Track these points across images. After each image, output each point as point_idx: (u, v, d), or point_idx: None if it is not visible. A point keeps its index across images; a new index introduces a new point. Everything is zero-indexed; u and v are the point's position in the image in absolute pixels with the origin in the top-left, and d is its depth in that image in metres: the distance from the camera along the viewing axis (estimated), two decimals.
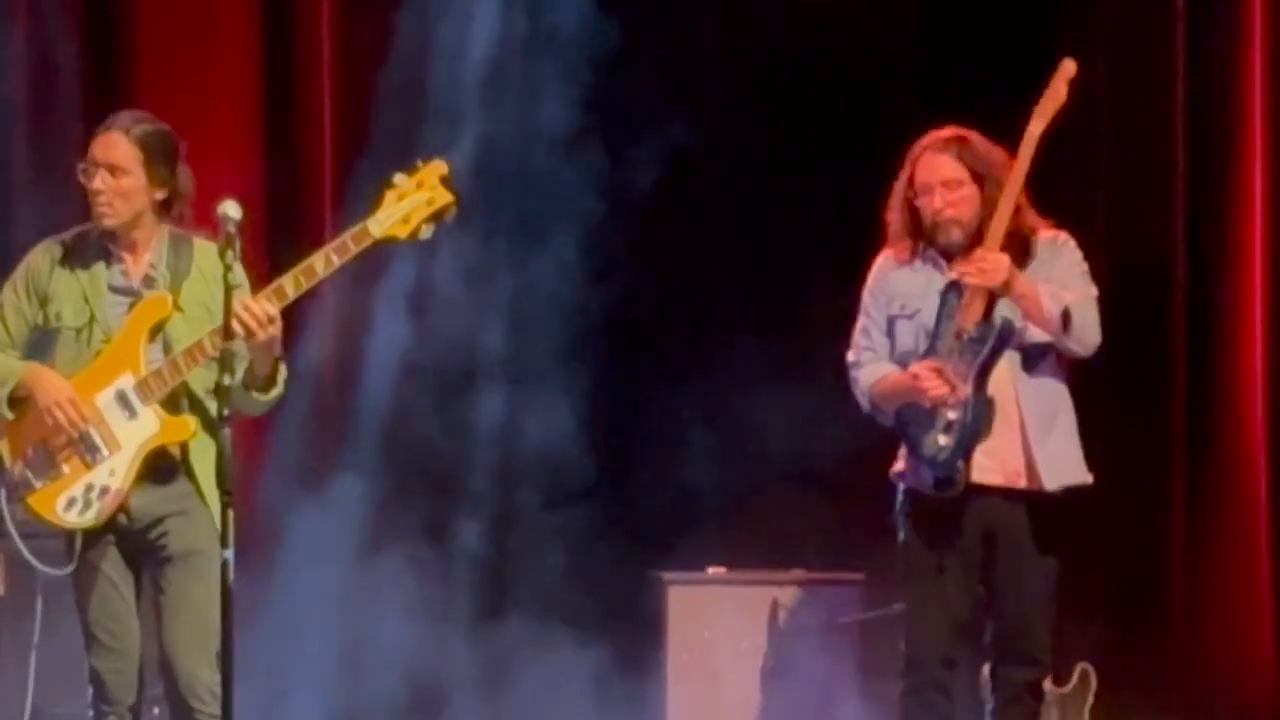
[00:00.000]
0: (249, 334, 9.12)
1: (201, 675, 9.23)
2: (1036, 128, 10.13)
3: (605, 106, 13.25)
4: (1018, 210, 10.03)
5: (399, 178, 9.30)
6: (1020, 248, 10.01)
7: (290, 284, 9.24)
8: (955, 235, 9.86)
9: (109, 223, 9.36)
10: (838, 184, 12.11)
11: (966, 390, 10.08)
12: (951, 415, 10.00)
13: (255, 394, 9.31)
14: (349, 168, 12.98)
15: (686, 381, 13.09)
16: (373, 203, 9.50)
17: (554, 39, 13.51)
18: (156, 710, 9.92)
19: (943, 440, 10.02)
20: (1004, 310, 10.08)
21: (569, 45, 13.52)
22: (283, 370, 9.44)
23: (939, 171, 10.02)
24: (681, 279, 13.42)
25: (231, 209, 8.71)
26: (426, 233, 9.25)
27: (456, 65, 13.48)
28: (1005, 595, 10.11)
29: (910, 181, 10.09)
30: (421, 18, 13.38)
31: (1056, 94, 10.21)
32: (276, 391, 9.39)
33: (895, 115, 12.01)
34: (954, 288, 9.98)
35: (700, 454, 12.77)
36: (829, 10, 13.15)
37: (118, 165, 9.33)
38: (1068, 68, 10.17)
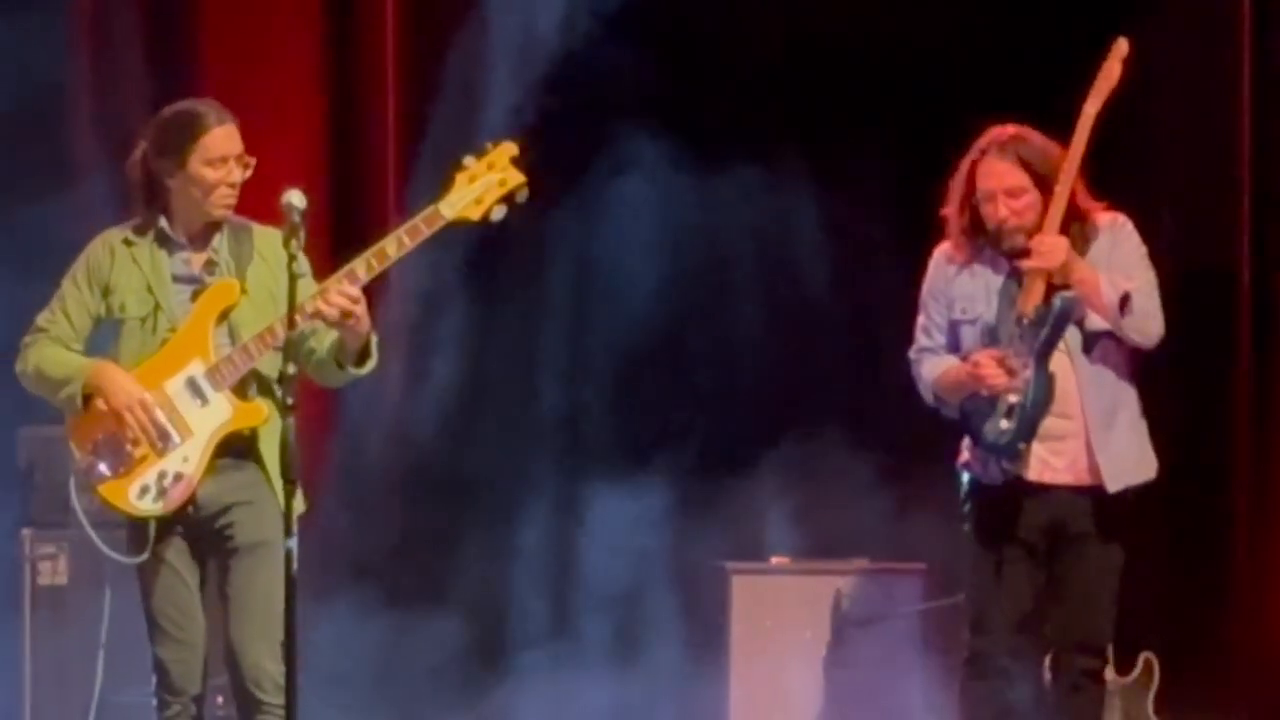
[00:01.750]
0: (344, 317, 9.12)
1: (267, 667, 9.09)
2: (1092, 108, 10.02)
3: (662, 105, 13.13)
4: (1073, 194, 9.98)
5: (469, 160, 9.17)
6: (1079, 233, 9.99)
7: (362, 267, 9.13)
8: (1019, 241, 9.86)
9: (225, 214, 9.36)
10: (902, 172, 12.01)
11: (1027, 374, 10.05)
12: (1013, 399, 9.99)
13: (351, 369, 9.28)
14: (413, 152, 13.02)
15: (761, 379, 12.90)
16: (443, 185, 9.31)
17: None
18: (220, 700, 9.91)
19: (1004, 424, 9.98)
20: (1066, 295, 9.93)
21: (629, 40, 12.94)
22: (375, 345, 9.32)
23: (1002, 179, 9.93)
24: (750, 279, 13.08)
25: (296, 198, 8.60)
26: (499, 213, 9.13)
27: (519, 50, 13.19)
28: (1068, 585, 10.12)
29: (971, 184, 10.00)
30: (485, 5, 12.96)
31: (1110, 74, 10.14)
32: (371, 364, 9.28)
33: (957, 107, 11.71)
34: (1014, 275, 10.02)
35: (764, 442, 12.47)
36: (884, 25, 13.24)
37: (245, 157, 9.24)
38: (1121, 47, 10.05)
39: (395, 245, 9.25)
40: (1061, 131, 10.06)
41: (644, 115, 12.86)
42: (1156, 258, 10.05)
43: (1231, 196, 12.53)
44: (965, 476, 10.00)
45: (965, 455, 9.97)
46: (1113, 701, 11.39)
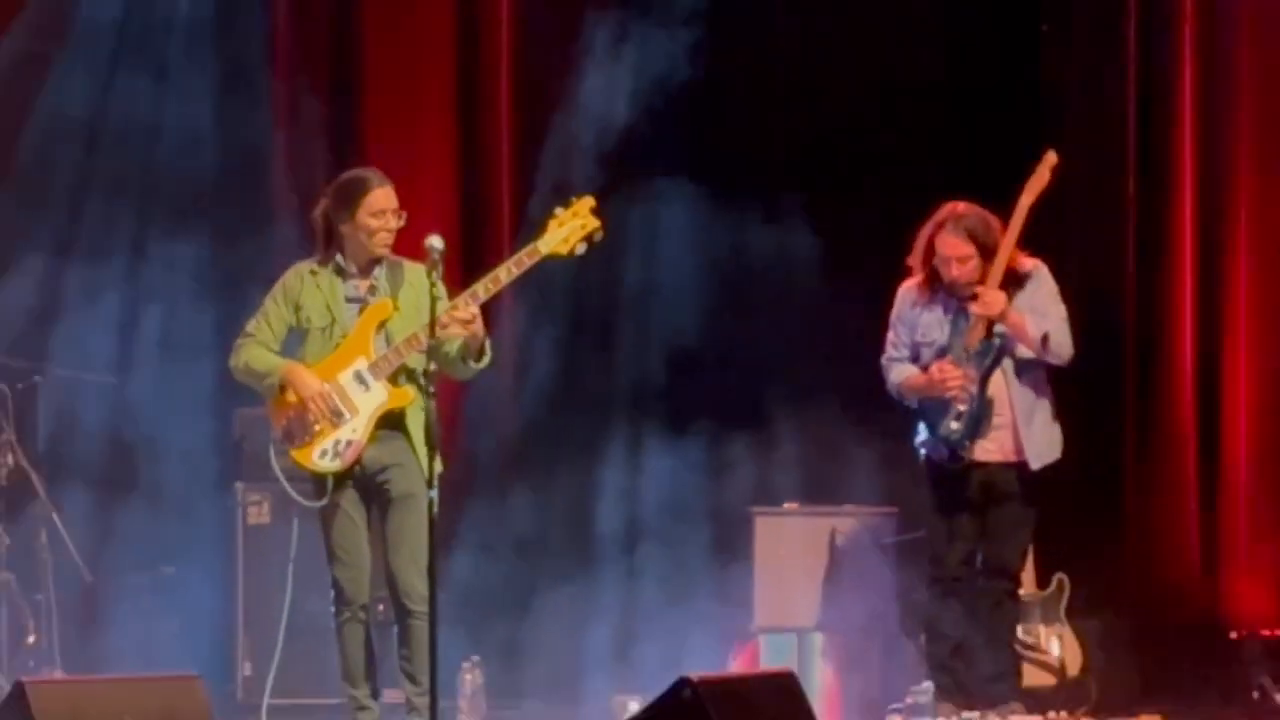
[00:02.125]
0: (466, 325, 9.22)
1: (415, 585, 9.22)
2: (1026, 201, 10.10)
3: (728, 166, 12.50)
4: (1011, 257, 10.06)
5: (559, 210, 9.32)
6: (1013, 281, 10.02)
7: (482, 289, 9.32)
8: (967, 291, 10.03)
9: (384, 252, 9.42)
10: (878, 230, 11.62)
11: (973, 389, 10.14)
12: (961, 408, 10.15)
13: (470, 363, 9.41)
14: (519, 203, 12.65)
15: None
16: (539, 228, 9.45)
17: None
18: (381, 607, 9.80)
19: (954, 426, 10.12)
20: (1000, 330, 10.15)
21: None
22: (489, 346, 9.49)
23: (955, 249, 10.09)
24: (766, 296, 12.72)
25: (436, 241, 8.78)
26: (580, 250, 9.31)
27: (597, 127, 12.37)
28: (996, 532, 10.22)
29: (930, 250, 10.12)
30: (581, 85, 12.57)
31: (1041, 177, 10.24)
32: (486, 360, 9.52)
33: (921, 186, 11.41)
34: (963, 313, 10.10)
35: (780, 413, 12.12)
36: (872, 111, 12.81)
37: (399, 211, 9.43)
38: (1051, 158, 10.24)
39: (505, 273, 9.42)
40: (1001, 204, 10.07)
41: (682, 171, 12.42)
42: (1066, 293, 10.18)
43: (1120, 251, 12.40)
44: (922, 453, 10.22)
45: (922, 438, 10.18)
46: (1033, 610, 11.18)
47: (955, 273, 9.69)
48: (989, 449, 9.76)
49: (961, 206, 9.81)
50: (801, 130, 12.58)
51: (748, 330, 12.32)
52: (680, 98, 12.25)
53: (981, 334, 9.77)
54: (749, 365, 12.29)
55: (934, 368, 9.84)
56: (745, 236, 12.24)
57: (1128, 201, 12.26)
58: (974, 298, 9.79)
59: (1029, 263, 9.76)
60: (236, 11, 12.65)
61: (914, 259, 9.94)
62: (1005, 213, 9.77)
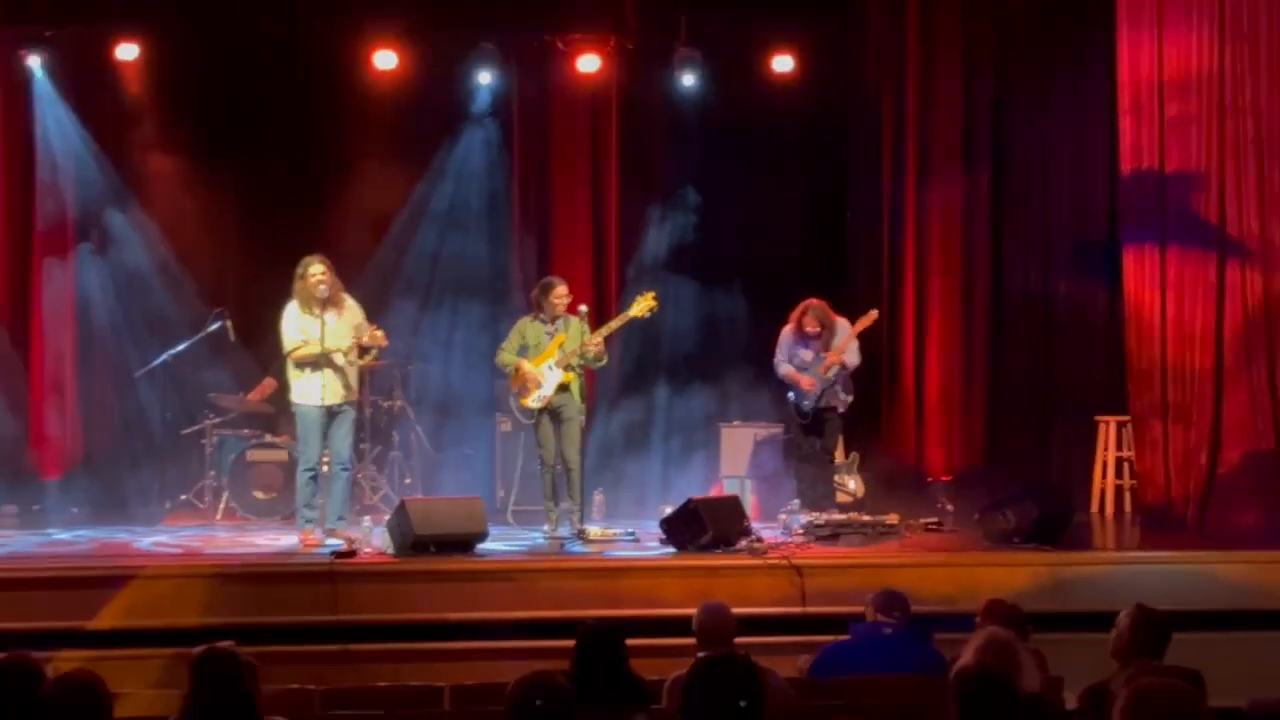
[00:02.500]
0: (598, 348, 11.09)
1: (573, 458, 11.17)
2: (857, 329, 11.74)
3: None
4: (846, 341, 11.70)
5: (639, 296, 11.33)
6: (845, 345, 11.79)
7: (605, 331, 11.33)
8: (818, 346, 11.70)
9: (562, 313, 11.07)
10: (777, 297, 12.65)
11: (817, 391, 11.76)
12: (807, 403, 11.81)
13: (597, 363, 11.25)
14: (619, 288, 13.91)
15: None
16: (629, 303, 11.49)
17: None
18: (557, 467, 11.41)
19: (806, 404, 11.86)
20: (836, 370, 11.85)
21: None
22: (605, 355, 11.34)
23: (811, 325, 11.80)
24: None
25: (583, 308, 11.24)
26: (647, 316, 11.29)
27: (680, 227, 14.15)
28: (824, 435, 11.95)
29: (800, 321, 11.84)
30: (645, 234, 14.19)
31: (867, 320, 11.82)
32: (604, 362, 11.43)
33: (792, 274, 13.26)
34: (819, 356, 11.69)
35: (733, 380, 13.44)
36: (764, 243, 14.20)
37: (569, 294, 11.14)
38: (873, 315, 11.92)
39: (617, 323, 11.34)
40: (829, 295, 12.02)
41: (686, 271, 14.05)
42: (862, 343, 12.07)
43: (883, 318, 12.97)
44: (792, 405, 11.99)
45: (791, 397, 11.99)
46: (841, 467, 12.50)
47: (810, 331, 11.72)
48: (824, 406, 11.71)
49: (815, 300, 11.80)
50: (740, 255, 14.05)
51: (715, 344, 13.88)
52: (686, 238, 14.04)
53: (824, 369, 11.58)
54: (716, 362, 13.72)
55: (803, 378, 11.63)
56: (713, 300, 13.90)
57: (884, 297, 13.70)
58: (830, 355, 11.57)
59: (844, 321, 11.65)
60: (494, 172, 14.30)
61: (792, 320, 11.80)
62: (835, 299, 12.00)
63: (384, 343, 11.17)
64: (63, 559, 10.51)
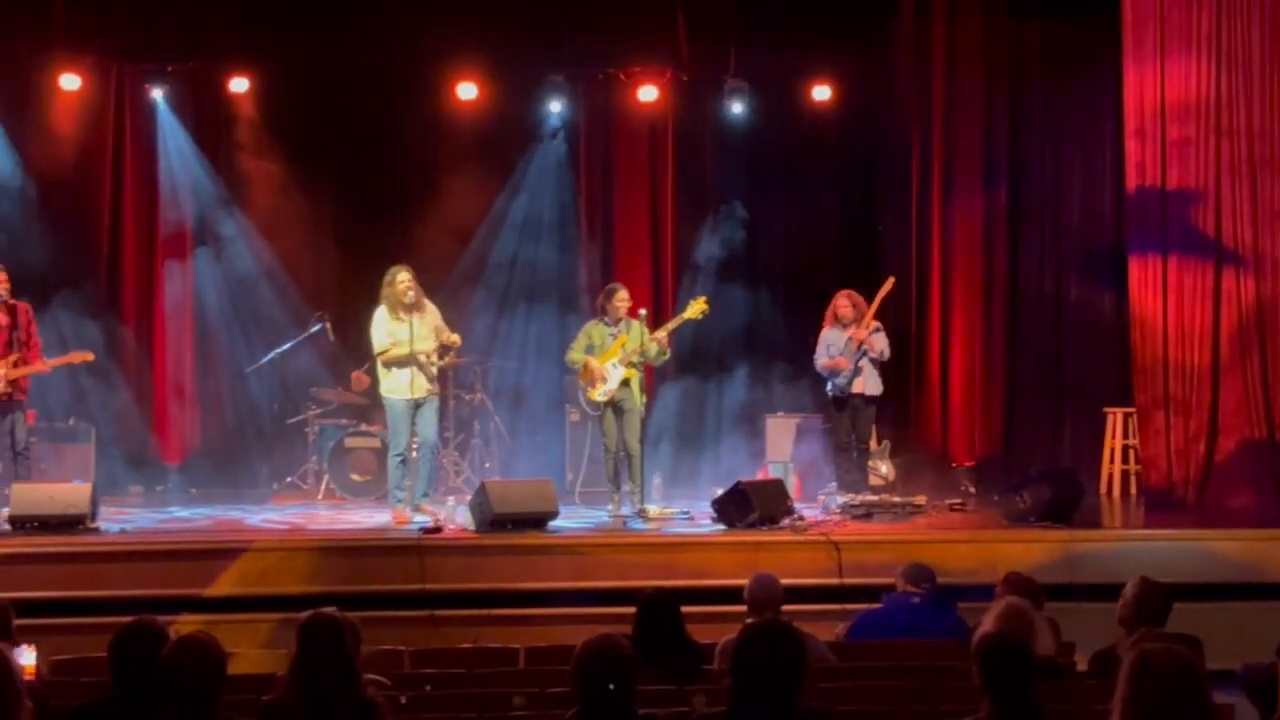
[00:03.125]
0: (660, 345, 11.07)
1: (634, 445, 11.16)
2: (878, 297, 11.62)
3: None
4: (868, 318, 11.51)
5: (692, 301, 11.36)
6: (868, 324, 11.58)
7: (663, 331, 11.27)
8: (853, 329, 11.52)
9: (623, 316, 11.05)
10: (816, 300, 12.37)
11: (850, 365, 11.59)
12: (843, 378, 11.64)
13: (658, 360, 11.27)
14: (676, 291, 13.97)
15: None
16: (684, 306, 11.53)
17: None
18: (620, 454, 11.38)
19: (841, 380, 11.69)
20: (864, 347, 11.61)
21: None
22: (668, 350, 11.36)
23: (844, 308, 11.70)
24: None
25: (643, 313, 11.30)
26: (700, 317, 11.27)
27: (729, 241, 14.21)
28: (858, 424, 11.76)
29: (835, 305, 11.79)
30: (698, 242, 14.20)
31: (886, 287, 11.71)
32: (665, 358, 11.43)
33: (829, 280, 12.62)
34: (849, 339, 11.54)
35: (779, 377, 13.52)
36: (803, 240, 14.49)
37: (630, 298, 11.17)
38: (890, 282, 11.83)
39: (674, 324, 11.31)
40: (862, 289, 11.85)
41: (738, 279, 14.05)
42: (889, 333, 11.97)
43: (909, 313, 13.68)
44: (829, 389, 11.81)
45: (828, 387, 11.81)
46: (875, 453, 12.43)
47: (844, 315, 11.55)
48: (855, 390, 11.53)
49: (848, 291, 11.73)
50: (782, 262, 14.30)
51: (761, 343, 13.88)
52: (735, 247, 14.07)
53: (855, 347, 11.45)
54: (761, 359, 13.66)
55: (838, 360, 11.47)
56: (759, 303, 13.94)
57: (912, 301, 13.81)
58: (855, 331, 11.42)
59: (874, 322, 11.52)
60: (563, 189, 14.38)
61: (829, 312, 11.70)
62: (866, 293, 11.71)
63: (459, 342, 11.18)
64: (183, 534, 10.59)
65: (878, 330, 11.68)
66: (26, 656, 5.96)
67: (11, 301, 10.98)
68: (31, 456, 11.34)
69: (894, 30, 14.13)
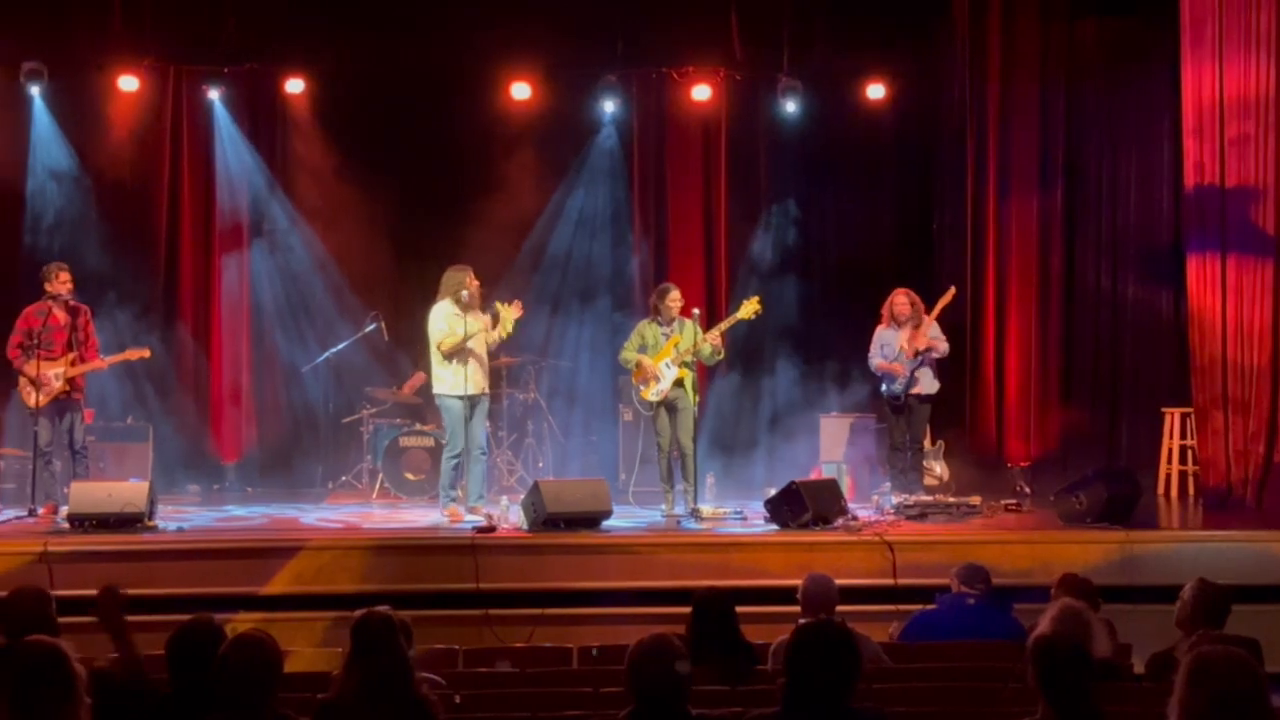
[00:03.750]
0: (715, 344, 11.09)
1: (687, 445, 11.20)
2: (939, 305, 11.60)
3: None
4: (927, 325, 11.57)
5: (745, 301, 11.29)
6: (927, 325, 11.62)
7: (716, 331, 11.29)
8: (908, 329, 11.59)
9: (676, 315, 11.10)
10: (870, 300, 12.33)
11: (907, 373, 11.60)
12: (899, 384, 11.67)
13: (712, 359, 11.28)
14: (730, 291, 14.06)
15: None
16: (738, 306, 11.45)
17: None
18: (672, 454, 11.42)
19: (896, 387, 11.73)
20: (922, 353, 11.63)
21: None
22: (722, 350, 11.32)
23: (901, 307, 11.75)
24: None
25: (696, 313, 11.21)
26: (753, 317, 11.26)
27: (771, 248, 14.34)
28: (914, 423, 11.83)
29: (891, 305, 11.84)
30: (753, 240, 14.31)
31: (947, 297, 11.69)
32: (720, 357, 11.44)
33: (883, 279, 12.61)
34: (903, 350, 11.65)
35: (833, 376, 13.49)
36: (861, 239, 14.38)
37: (683, 298, 11.19)
38: (950, 292, 11.76)
39: (727, 324, 11.32)
40: (919, 288, 11.96)
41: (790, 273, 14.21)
42: (947, 332, 11.91)
43: (964, 314, 13.45)
44: (884, 391, 11.86)
45: (883, 389, 11.85)
46: (930, 453, 12.47)
47: (900, 314, 11.56)
48: (910, 392, 11.53)
49: (904, 290, 11.75)
50: (836, 262, 14.33)
51: (814, 343, 13.91)
52: (788, 247, 14.21)
53: (911, 355, 11.43)
54: (815, 359, 13.72)
55: (894, 365, 11.48)
56: (812, 303, 14.12)
57: (967, 300, 13.63)
58: (914, 334, 11.36)
59: (934, 324, 11.50)
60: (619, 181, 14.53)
61: (885, 310, 11.73)
62: (922, 294, 11.77)
63: (520, 312, 11.12)
64: (239, 533, 10.65)
65: (936, 334, 11.56)
66: None
67: (74, 303, 11.22)
68: (89, 455, 11.53)
69: (948, 28, 14.17)
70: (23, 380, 11.06)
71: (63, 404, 11.07)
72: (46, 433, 11.08)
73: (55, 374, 11.01)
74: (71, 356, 11.08)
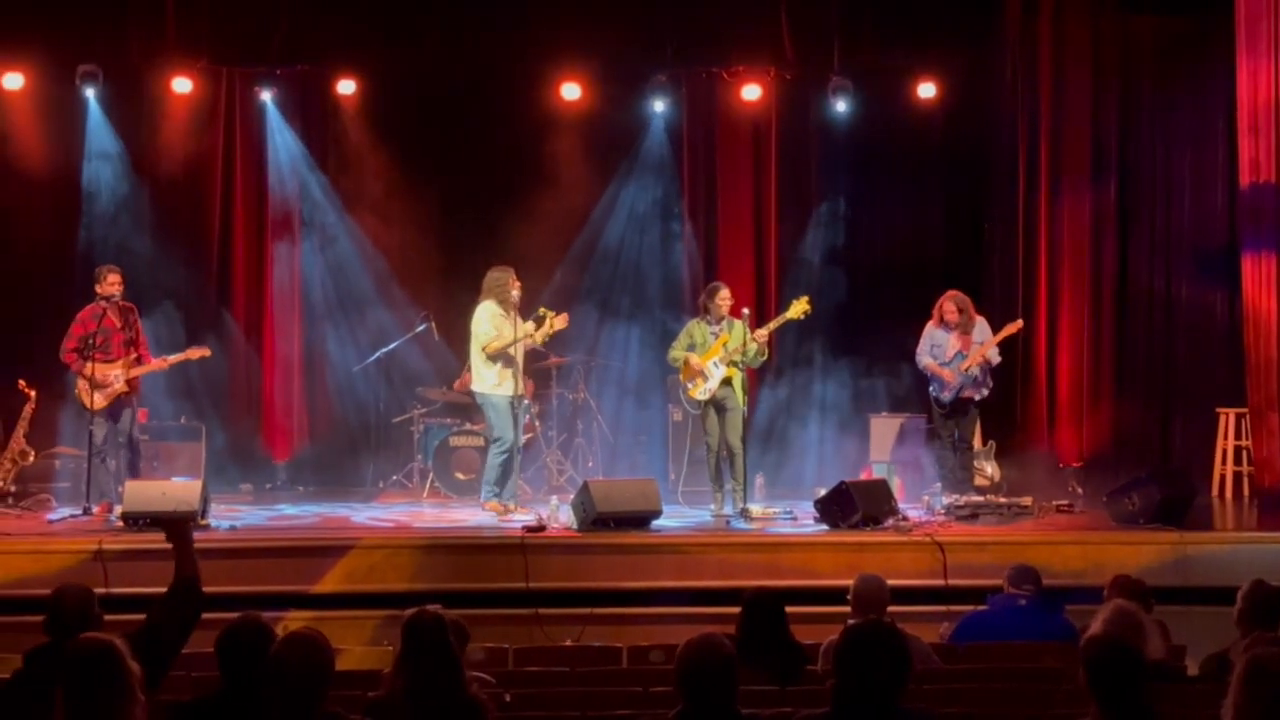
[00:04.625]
0: (762, 344, 11.04)
1: (736, 444, 11.16)
2: (1001, 336, 11.48)
3: None
4: (986, 347, 11.47)
5: (795, 301, 11.25)
6: (977, 330, 11.56)
7: (765, 331, 11.22)
8: (957, 334, 11.49)
9: (724, 314, 11.09)
10: (921, 299, 12.34)
11: (959, 384, 11.50)
12: (949, 392, 11.61)
13: (758, 359, 11.21)
14: (780, 291, 13.92)
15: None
16: (788, 306, 11.39)
17: None
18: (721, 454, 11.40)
19: (946, 395, 11.68)
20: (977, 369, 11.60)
21: None
22: (766, 352, 11.34)
23: (951, 313, 11.65)
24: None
25: (745, 313, 11.17)
26: (803, 317, 11.23)
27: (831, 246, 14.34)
28: (963, 425, 11.75)
29: (941, 308, 11.72)
30: (803, 240, 14.22)
31: (1013, 328, 11.60)
32: (764, 358, 11.40)
33: (934, 279, 12.83)
34: (960, 353, 11.45)
35: (881, 377, 13.45)
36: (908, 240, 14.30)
37: (732, 296, 11.18)
38: (1018, 324, 11.70)
39: (775, 324, 11.34)
40: (981, 305, 11.94)
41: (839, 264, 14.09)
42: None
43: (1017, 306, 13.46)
44: (932, 397, 11.79)
45: (932, 391, 11.78)
46: (980, 453, 12.33)
47: (950, 319, 11.51)
48: (962, 397, 11.44)
49: (954, 292, 11.66)
50: (887, 261, 14.14)
51: (864, 342, 13.71)
52: (838, 246, 14.10)
53: (964, 368, 11.32)
54: (865, 358, 13.55)
55: (944, 372, 11.38)
56: (862, 302, 13.92)
57: (1018, 298, 13.70)
58: (965, 341, 11.30)
59: (981, 321, 11.47)
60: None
61: (935, 313, 11.67)
62: (974, 290, 12.03)
63: (566, 324, 11.27)
64: (291, 531, 10.73)
65: (984, 338, 11.45)
66: None
67: (123, 304, 11.34)
68: (143, 454, 11.68)
69: (999, 25, 14.08)
70: (81, 382, 11.13)
71: (119, 403, 11.16)
72: (102, 431, 11.13)
73: (115, 375, 11.11)
74: (131, 357, 11.22)
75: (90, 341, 11.07)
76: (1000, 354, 11.69)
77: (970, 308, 11.61)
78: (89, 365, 11.02)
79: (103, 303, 11.19)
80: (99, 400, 11.00)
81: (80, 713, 4.21)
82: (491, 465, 11.39)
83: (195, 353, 11.69)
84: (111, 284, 11.24)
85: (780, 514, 11.06)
